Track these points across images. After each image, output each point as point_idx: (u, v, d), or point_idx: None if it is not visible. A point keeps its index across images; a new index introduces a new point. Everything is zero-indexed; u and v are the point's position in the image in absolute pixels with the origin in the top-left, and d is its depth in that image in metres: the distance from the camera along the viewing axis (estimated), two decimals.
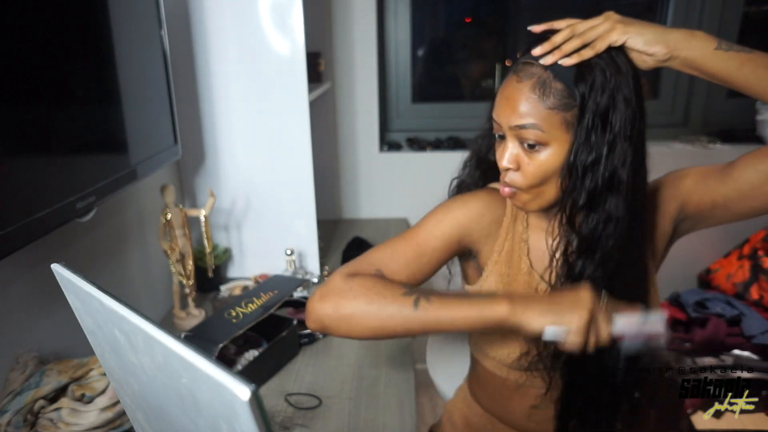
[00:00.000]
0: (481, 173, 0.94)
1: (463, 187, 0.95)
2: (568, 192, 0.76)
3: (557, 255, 0.81)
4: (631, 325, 0.70)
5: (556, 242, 0.82)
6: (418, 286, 0.79)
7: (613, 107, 0.72)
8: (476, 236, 0.87)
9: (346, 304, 0.73)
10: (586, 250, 0.77)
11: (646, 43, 0.74)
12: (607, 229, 0.75)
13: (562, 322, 0.69)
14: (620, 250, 0.76)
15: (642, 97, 0.75)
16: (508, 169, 0.79)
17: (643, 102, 0.75)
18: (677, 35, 0.75)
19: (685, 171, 0.86)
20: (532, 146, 0.75)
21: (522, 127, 0.75)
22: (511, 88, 0.77)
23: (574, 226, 0.77)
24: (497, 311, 0.70)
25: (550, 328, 0.69)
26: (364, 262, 0.80)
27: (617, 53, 0.74)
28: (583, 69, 0.72)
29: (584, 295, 0.70)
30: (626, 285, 0.79)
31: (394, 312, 0.72)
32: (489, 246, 0.88)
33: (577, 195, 0.75)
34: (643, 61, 0.76)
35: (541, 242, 0.87)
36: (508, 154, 0.78)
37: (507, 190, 0.80)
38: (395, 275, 0.79)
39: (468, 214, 0.86)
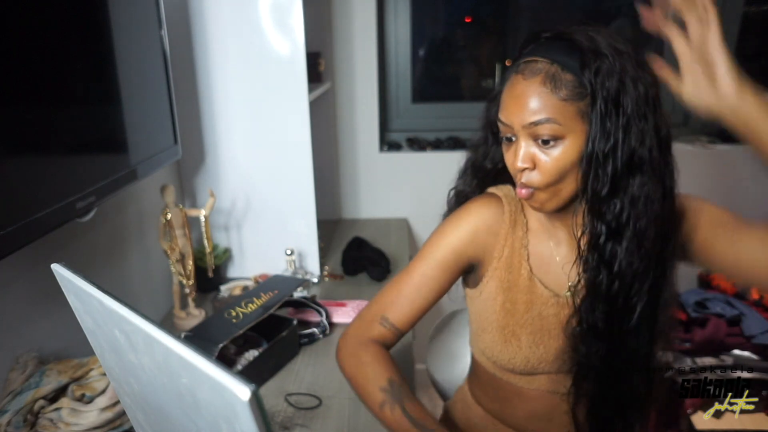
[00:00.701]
0: (478, 181, 0.93)
1: (461, 196, 0.95)
2: (590, 182, 0.74)
3: (582, 246, 0.79)
4: None
5: (579, 233, 0.80)
6: (399, 383, 0.82)
7: (623, 90, 0.72)
8: (473, 253, 0.88)
9: (346, 370, 0.87)
10: (615, 236, 0.75)
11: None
12: (637, 209, 0.74)
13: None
14: (656, 228, 0.75)
15: (648, 69, 0.75)
16: (524, 170, 0.77)
17: (651, 74, 0.75)
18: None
19: (706, 207, 0.83)
20: (546, 142, 0.74)
21: (537, 123, 0.74)
22: (519, 86, 0.76)
23: (600, 216, 0.76)
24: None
25: None
26: (372, 311, 0.90)
27: (613, 36, 0.75)
28: (586, 56, 0.72)
29: None
30: (663, 265, 0.77)
31: (367, 402, 0.83)
32: (488, 255, 0.88)
33: (599, 185, 0.74)
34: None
35: (541, 247, 0.87)
36: (522, 153, 0.76)
37: (524, 191, 0.78)
38: (402, 316, 0.88)
39: (461, 236, 0.87)
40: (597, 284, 0.78)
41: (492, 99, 0.85)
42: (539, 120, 0.73)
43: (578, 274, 0.82)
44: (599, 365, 0.80)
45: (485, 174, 0.92)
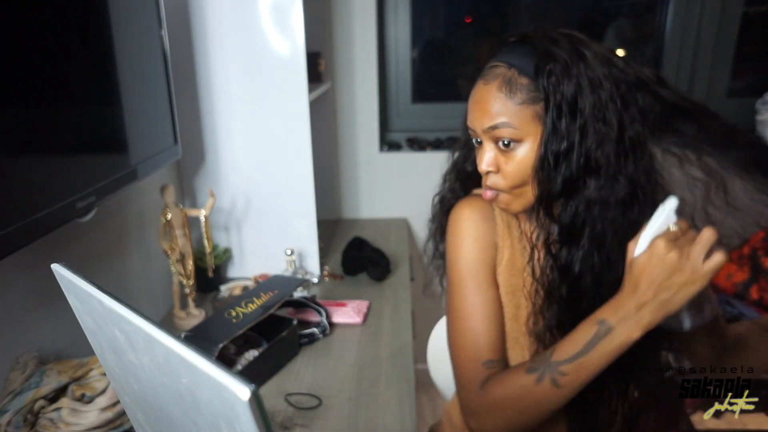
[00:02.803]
0: (461, 184, 0.94)
1: (444, 202, 0.96)
2: (543, 182, 0.75)
3: (538, 246, 0.81)
4: (653, 228, 0.68)
5: (534, 234, 0.81)
6: (535, 356, 0.78)
7: (580, 93, 0.72)
8: (492, 255, 0.86)
9: (503, 419, 0.76)
10: (568, 238, 0.76)
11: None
12: (592, 213, 0.74)
13: (687, 298, 0.66)
14: (616, 230, 0.74)
15: (628, 70, 0.74)
16: (488, 173, 0.79)
17: (631, 74, 0.74)
18: None
19: None
20: (507, 145, 0.76)
21: (495, 127, 0.76)
22: (479, 92, 0.78)
23: (553, 217, 0.78)
24: (629, 337, 0.68)
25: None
26: (468, 368, 0.81)
27: (581, 42, 0.75)
28: (541, 60, 0.73)
29: (682, 264, 0.65)
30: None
31: (543, 403, 0.74)
32: (497, 242, 0.87)
33: (552, 184, 0.74)
34: None
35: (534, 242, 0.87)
36: (486, 157, 0.78)
37: (489, 193, 0.81)
38: (497, 348, 0.81)
39: (476, 246, 0.85)
40: (556, 288, 0.78)
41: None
42: (497, 124, 0.75)
43: (533, 276, 0.82)
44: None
45: (467, 176, 0.93)
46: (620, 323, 0.68)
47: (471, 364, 0.81)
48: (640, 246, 0.68)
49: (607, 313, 0.70)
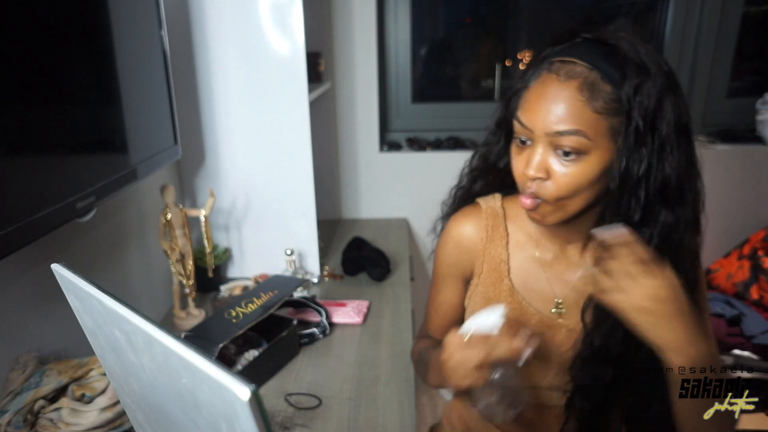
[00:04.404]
0: (488, 182, 0.90)
1: (467, 196, 0.92)
2: (622, 207, 0.69)
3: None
4: (479, 326, 0.71)
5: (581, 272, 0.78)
6: (428, 347, 0.95)
7: (659, 112, 0.66)
8: (461, 269, 0.91)
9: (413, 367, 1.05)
10: None
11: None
12: (668, 240, 0.69)
13: (454, 386, 0.72)
14: (682, 259, 0.70)
15: (682, 95, 0.69)
16: (535, 179, 0.71)
17: (684, 102, 0.69)
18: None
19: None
20: (567, 153, 0.68)
21: (563, 133, 0.67)
22: (552, 88, 0.68)
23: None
24: (430, 382, 0.84)
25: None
26: (422, 326, 1.04)
27: (656, 52, 0.69)
28: (630, 69, 0.66)
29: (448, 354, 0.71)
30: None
31: (419, 375, 0.96)
32: (472, 269, 0.89)
33: (631, 211, 0.68)
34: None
35: (525, 261, 0.85)
36: (537, 161, 0.70)
37: (529, 202, 0.73)
38: (441, 330, 0.95)
39: (447, 257, 0.91)
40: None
41: (512, 94, 0.77)
42: (567, 130, 0.66)
43: (589, 297, 0.78)
44: (602, 389, 0.77)
45: (495, 175, 0.87)
46: (431, 369, 0.83)
47: (421, 329, 1.03)
48: (463, 327, 0.73)
49: (435, 354, 0.80)
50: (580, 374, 0.80)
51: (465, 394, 0.83)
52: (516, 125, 0.73)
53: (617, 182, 0.68)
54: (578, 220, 0.78)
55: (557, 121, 0.67)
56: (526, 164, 0.71)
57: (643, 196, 0.68)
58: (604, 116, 0.66)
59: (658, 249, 0.69)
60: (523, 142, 0.73)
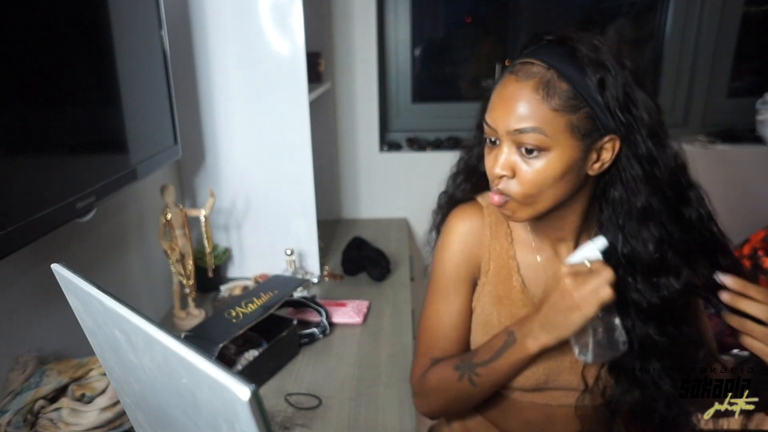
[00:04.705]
0: (472, 185, 0.91)
1: (452, 202, 0.93)
2: (628, 196, 0.72)
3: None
4: (573, 258, 0.72)
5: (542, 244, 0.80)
6: (465, 355, 0.85)
7: (632, 104, 0.69)
8: (469, 270, 0.88)
9: (434, 404, 0.89)
10: (649, 267, 0.73)
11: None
12: (708, 230, 0.74)
13: (572, 326, 0.70)
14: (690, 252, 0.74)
15: (651, 93, 0.72)
16: (501, 177, 0.74)
17: (654, 98, 0.72)
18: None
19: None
20: (530, 151, 0.71)
21: (522, 131, 0.70)
22: (510, 88, 0.71)
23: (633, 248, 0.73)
24: (527, 351, 0.75)
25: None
26: (420, 360, 0.90)
27: (620, 53, 0.71)
28: (587, 66, 0.69)
29: (573, 291, 0.69)
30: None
31: (463, 397, 0.84)
32: (479, 268, 0.88)
33: (633, 202, 0.72)
34: None
35: (529, 259, 0.86)
36: (502, 159, 0.73)
37: (497, 198, 0.75)
38: (448, 350, 0.88)
39: (453, 259, 0.88)
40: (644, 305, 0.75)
41: (486, 98, 0.80)
42: (525, 128, 0.70)
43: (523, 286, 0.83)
44: (613, 389, 0.79)
45: (479, 177, 0.88)
46: (523, 337, 0.75)
47: (421, 357, 0.90)
48: (572, 259, 0.73)
49: (516, 326, 0.78)
50: (591, 374, 0.80)
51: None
52: (485, 127, 0.76)
53: (638, 169, 0.71)
54: (562, 219, 0.81)
55: (517, 119, 0.70)
56: (494, 163, 0.74)
57: (666, 178, 0.71)
58: (561, 113, 0.69)
59: (699, 239, 0.73)
60: (493, 142, 0.76)
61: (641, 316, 0.74)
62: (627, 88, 0.69)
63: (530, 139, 0.70)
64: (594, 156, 0.73)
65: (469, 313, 0.89)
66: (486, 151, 0.78)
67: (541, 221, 0.82)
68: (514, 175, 0.73)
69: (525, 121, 0.70)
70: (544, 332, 0.73)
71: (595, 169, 0.74)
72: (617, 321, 0.72)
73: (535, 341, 0.74)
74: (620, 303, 0.74)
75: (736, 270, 0.72)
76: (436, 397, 0.87)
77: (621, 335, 0.73)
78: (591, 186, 0.78)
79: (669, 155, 0.72)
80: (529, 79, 0.70)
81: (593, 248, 0.72)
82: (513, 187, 0.73)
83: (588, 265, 0.70)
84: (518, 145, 0.72)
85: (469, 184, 0.91)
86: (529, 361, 0.77)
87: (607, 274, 0.68)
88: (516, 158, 0.72)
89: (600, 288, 0.68)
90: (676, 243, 0.73)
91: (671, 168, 0.72)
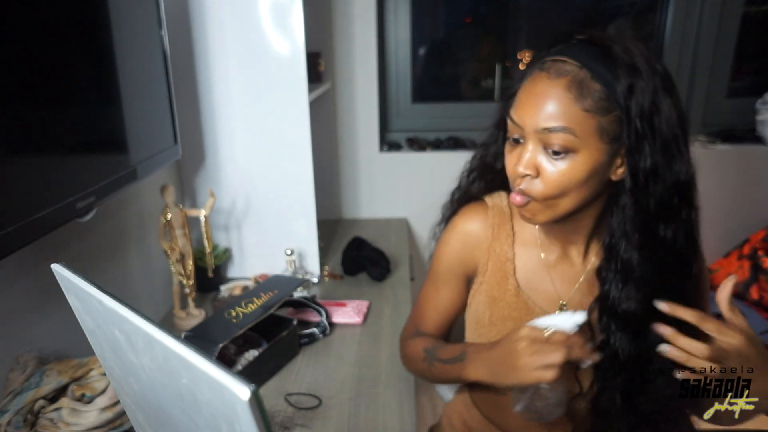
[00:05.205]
0: (486, 182, 0.90)
1: (465, 199, 0.92)
2: (631, 205, 0.71)
3: (606, 276, 0.76)
4: (554, 322, 0.73)
5: (590, 265, 0.80)
6: (437, 344, 0.91)
7: (656, 112, 0.67)
8: (465, 267, 0.90)
9: (406, 366, 1.00)
10: (668, 265, 0.73)
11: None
12: (693, 240, 0.73)
13: (507, 383, 0.73)
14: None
15: (679, 99, 0.70)
16: (524, 176, 0.72)
17: (680, 106, 0.70)
18: None
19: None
20: (556, 153, 0.68)
21: (551, 130, 0.67)
22: (541, 85, 0.69)
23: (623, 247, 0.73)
24: (467, 375, 0.80)
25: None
26: (409, 325, 1.00)
27: (650, 53, 0.69)
28: (621, 69, 0.67)
29: (517, 345, 0.71)
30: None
31: (426, 375, 0.92)
32: (476, 267, 0.88)
33: (650, 207, 0.70)
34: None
35: (531, 261, 0.85)
36: (526, 158, 0.70)
37: (519, 198, 0.73)
38: (433, 329, 0.96)
39: (450, 254, 0.90)
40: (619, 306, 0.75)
41: (510, 95, 0.78)
42: (554, 127, 0.67)
43: (595, 299, 0.79)
44: (609, 391, 0.78)
45: (494, 175, 0.87)
46: (470, 362, 0.80)
47: (410, 324, 1.00)
48: (539, 323, 0.74)
49: (473, 348, 0.82)
50: (586, 378, 0.81)
51: (499, 393, 0.83)
52: (509, 124, 0.74)
53: (630, 180, 0.70)
54: (576, 222, 0.79)
55: (546, 118, 0.68)
56: (517, 161, 0.72)
57: (659, 192, 0.69)
58: (592, 114, 0.67)
59: (684, 247, 0.72)
60: (516, 141, 0.74)
61: (632, 325, 0.74)
62: (654, 96, 0.67)
63: (558, 140, 0.68)
64: (618, 161, 0.72)
65: (457, 304, 0.93)
66: (507, 149, 0.76)
67: (554, 223, 0.80)
68: (537, 174, 0.71)
69: (555, 120, 0.67)
70: (484, 370, 0.77)
71: (618, 174, 0.72)
72: (554, 394, 0.74)
73: (475, 372, 0.79)
74: (611, 314, 0.75)
75: (693, 302, 0.73)
76: (407, 363, 0.98)
77: (553, 407, 0.74)
78: (608, 190, 0.76)
79: (677, 170, 0.69)
80: (561, 77, 0.68)
81: (570, 321, 0.72)
82: (535, 187, 0.71)
83: (548, 333, 0.71)
84: (545, 145, 0.69)
85: (483, 181, 0.90)
86: (467, 380, 0.81)
87: (558, 355, 0.68)
88: (541, 158, 0.70)
89: (545, 366, 0.69)
90: (650, 258, 0.73)
91: (674, 183, 0.70)
